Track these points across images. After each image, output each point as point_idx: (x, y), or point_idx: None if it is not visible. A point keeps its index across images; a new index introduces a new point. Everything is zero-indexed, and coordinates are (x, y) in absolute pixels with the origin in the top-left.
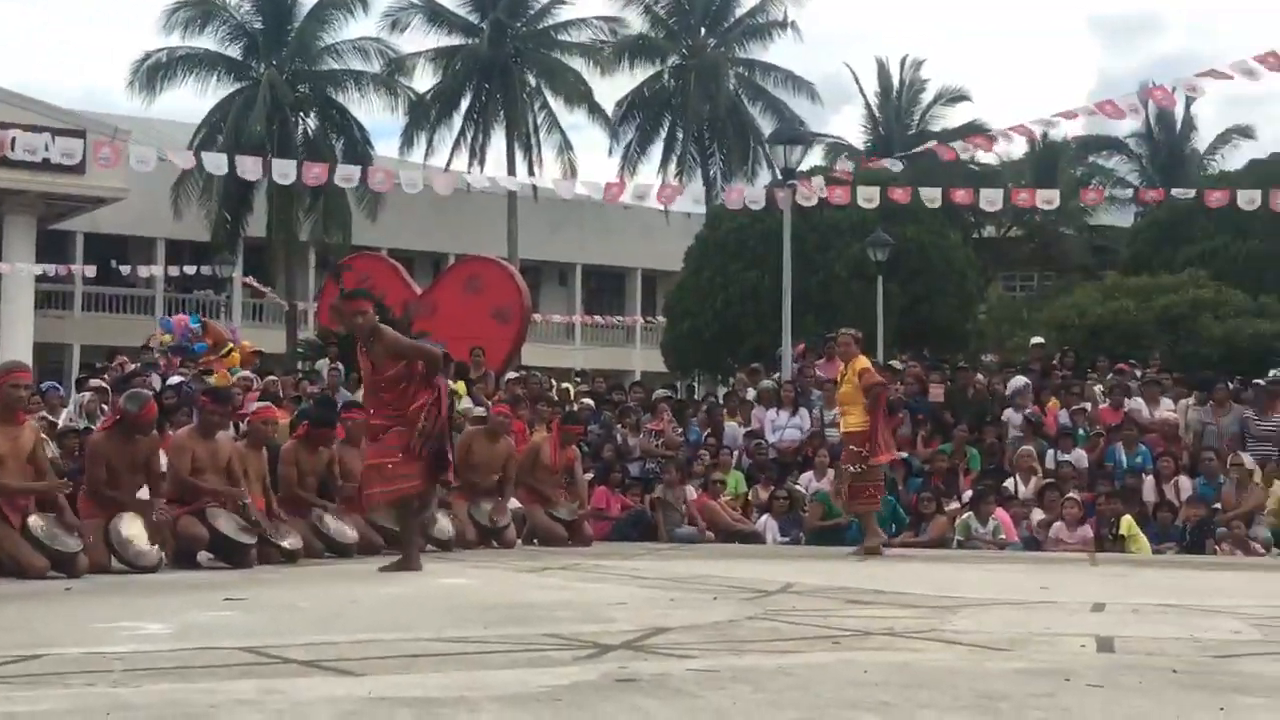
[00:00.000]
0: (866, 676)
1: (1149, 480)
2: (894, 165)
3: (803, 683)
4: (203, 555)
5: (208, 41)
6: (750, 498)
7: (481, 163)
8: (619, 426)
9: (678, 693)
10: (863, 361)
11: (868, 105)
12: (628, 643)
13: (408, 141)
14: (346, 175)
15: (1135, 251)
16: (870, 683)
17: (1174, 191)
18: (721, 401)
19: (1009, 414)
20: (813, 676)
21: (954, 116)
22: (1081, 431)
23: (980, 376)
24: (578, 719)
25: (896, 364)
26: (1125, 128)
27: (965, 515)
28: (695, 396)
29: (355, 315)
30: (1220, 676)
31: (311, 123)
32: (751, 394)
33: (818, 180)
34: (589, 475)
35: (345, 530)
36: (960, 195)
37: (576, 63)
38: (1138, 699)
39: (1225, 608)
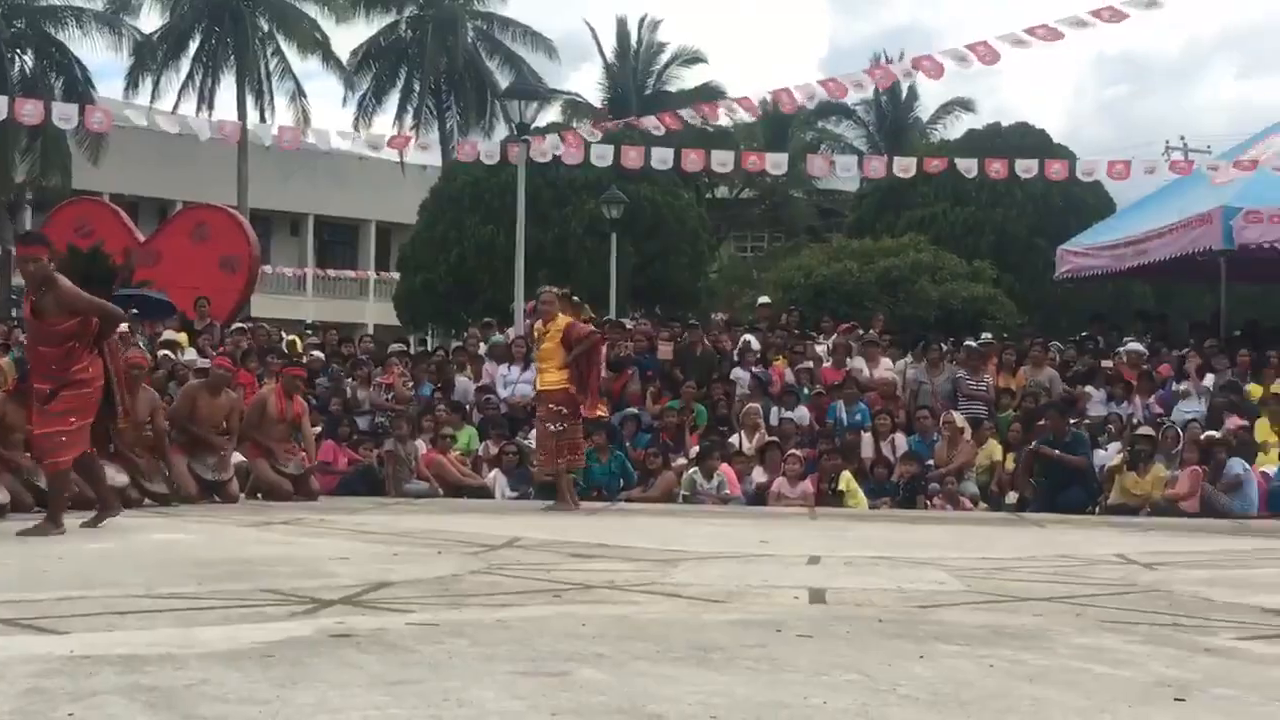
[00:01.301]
0: (584, 629)
1: (867, 437)
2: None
3: (521, 636)
4: None
5: None
6: (481, 453)
7: (210, 108)
8: (349, 380)
9: (393, 647)
10: (565, 319)
11: (606, 63)
12: (347, 598)
13: (132, 84)
14: (64, 115)
15: (860, 216)
16: (588, 635)
17: (896, 164)
18: (453, 356)
19: (736, 372)
20: (531, 629)
21: (690, 77)
22: (805, 390)
23: (708, 336)
24: (287, 674)
25: (628, 322)
26: (854, 94)
27: (691, 471)
28: (428, 351)
29: (27, 262)
30: (923, 626)
31: (29, 60)
32: (483, 349)
33: (552, 138)
34: (317, 429)
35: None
36: (692, 159)
37: (311, 9)
38: (844, 648)
39: (932, 560)
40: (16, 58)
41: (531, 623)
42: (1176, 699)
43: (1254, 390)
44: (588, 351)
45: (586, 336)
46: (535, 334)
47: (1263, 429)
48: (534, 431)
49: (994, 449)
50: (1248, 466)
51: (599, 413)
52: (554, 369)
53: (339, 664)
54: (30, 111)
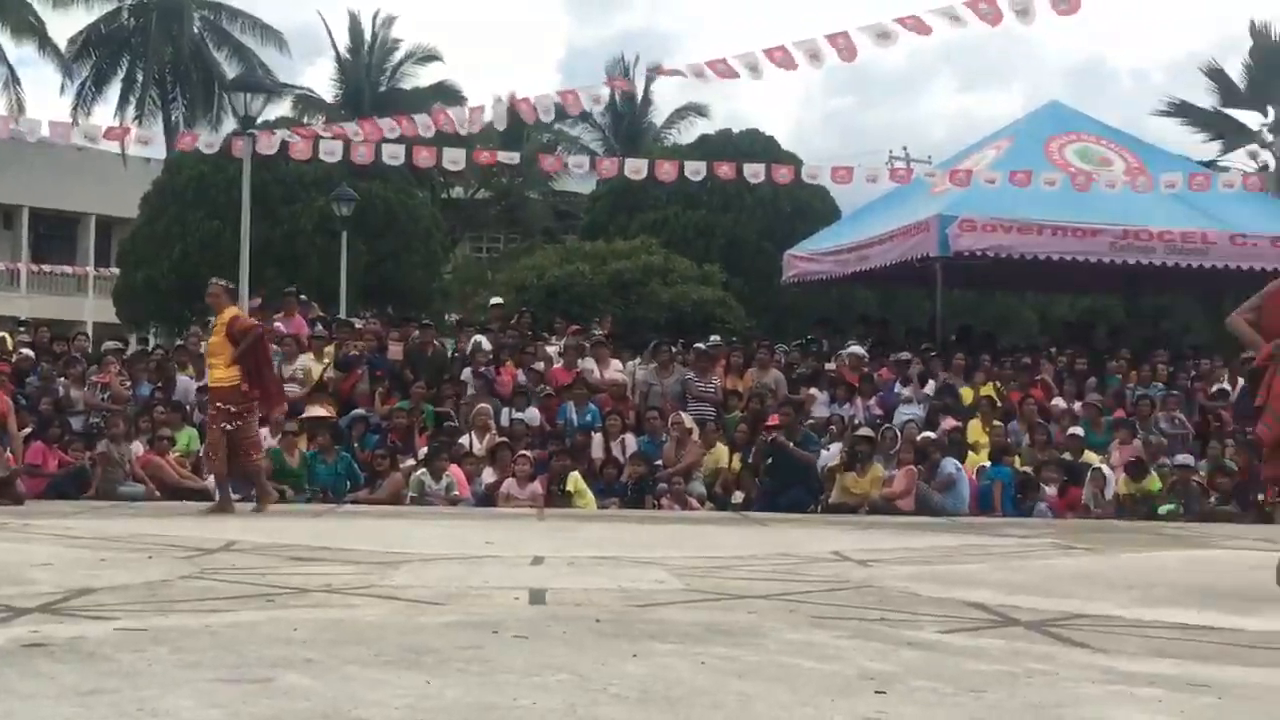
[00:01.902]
0: (295, 634)
1: (597, 438)
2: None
3: (227, 642)
4: None
5: None
6: (201, 454)
7: None
8: (61, 379)
9: (90, 656)
10: (232, 311)
11: (339, 58)
12: (45, 605)
13: None
14: None
15: (594, 218)
16: (299, 640)
17: (627, 165)
18: (174, 355)
19: (467, 373)
20: (239, 635)
21: (425, 75)
22: (535, 391)
23: (441, 337)
24: None
25: (358, 321)
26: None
27: (419, 472)
28: (147, 349)
29: None
30: (640, 625)
31: None
32: (204, 347)
33: (281, 132)
34: (26, 430)
35: None
36: (424, 156)
37: None
38: (560, 648)
39: (655, 559)
40: None
41: (240, 628)
42: (877, 691)
43: (966, 393)
44: (253, 346)
45: (249, 330)
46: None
47: (974, 430)
48: (230, 426)
49: (722, 453)
50: (960, 466)
51: (283, 405)
52: (222, 365)
53: (29, 674)
54: None
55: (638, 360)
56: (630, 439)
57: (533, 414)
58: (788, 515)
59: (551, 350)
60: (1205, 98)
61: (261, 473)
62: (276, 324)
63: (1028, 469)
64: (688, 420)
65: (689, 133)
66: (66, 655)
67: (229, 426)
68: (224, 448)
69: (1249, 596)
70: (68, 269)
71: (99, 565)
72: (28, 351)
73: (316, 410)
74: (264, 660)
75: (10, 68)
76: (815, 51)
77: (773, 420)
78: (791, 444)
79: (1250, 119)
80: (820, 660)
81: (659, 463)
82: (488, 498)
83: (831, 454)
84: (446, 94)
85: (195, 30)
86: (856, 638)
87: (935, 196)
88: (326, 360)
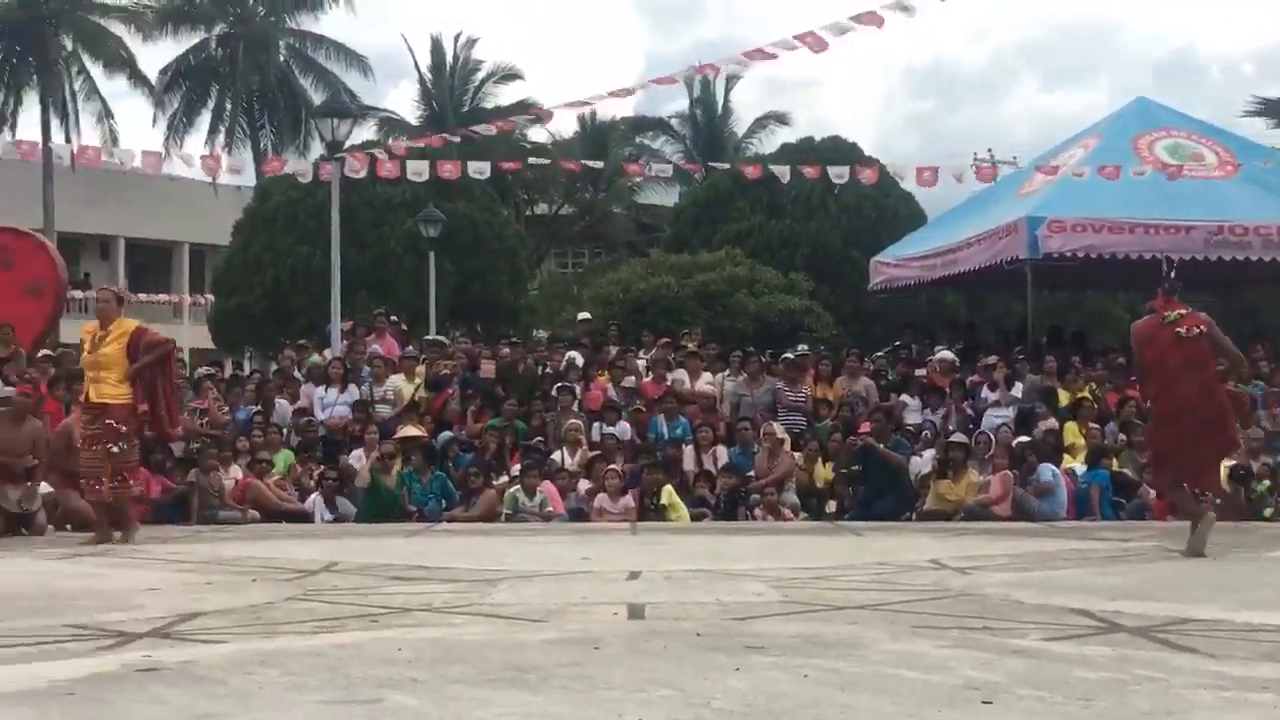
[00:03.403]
0: (400, 654)
1: (689, 450)
2: (449, 138)
3: (334, 663)
4: None
5: None
6: (299, 477)
7: (13, 129)
8: None
9: (201, 679)
10: (130, 323)
11: (422, 81)
12: (155, 630)
13: None
14: None
15: (677, 231)
16: (403, 660)
17: (712, 168)
18: (272, 379)
19: (558, 389)
20: (344, 656)
21: (506, 95)
22: (626, 405)
23: (530, 353)
24: (90, 712)
25: (448, 340)
26: (670, 109)
27: (513, 489)
28: (243, 374)
29: None
30: (739, 638)
31: None
32: (300, 371)
33: (365, 154)
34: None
35: None
36: (507, 164)
37: (117, 27)
38: (661, 663)
39: (751, 571)
40: None
41: (345, 649)
42: (984, 701)
43: (1061, 395)
44: (160, 361)
45: (159, 344)
46: (86, 339)
47: (1070, 432)
48: (117, 449)
49: (825, 471)
50: (1056, 470)
51: (181, 428)
52: (115, 380)
53: (144, 699)
54: None
55: (726, 372)
56: (721, 450)
57: (623, 428)
58: (882, 523)
59: (640, 363)
60: None
61: (131, 501)
62: (371, 345)
63: (1126, 470)
64: (779, 430)
65: (770, 142)
66: (178, 679)
67: (115, 449)
68: (107, 470)
69: None
70: (163, 297)
71: (205, 589)
72: None
73: (409, 430)
74: (370, 681)
75: (103, 101)
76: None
77: (864, 427)
78: (880, 445)
79: None
80: (924, 671)
81: (751, 473)
82: (581, 512)
83: (924, 461)
84: (528, 112)
85: (281, 58)
86: (959, 647)
87: (1023, 198)
88: (417, 380)
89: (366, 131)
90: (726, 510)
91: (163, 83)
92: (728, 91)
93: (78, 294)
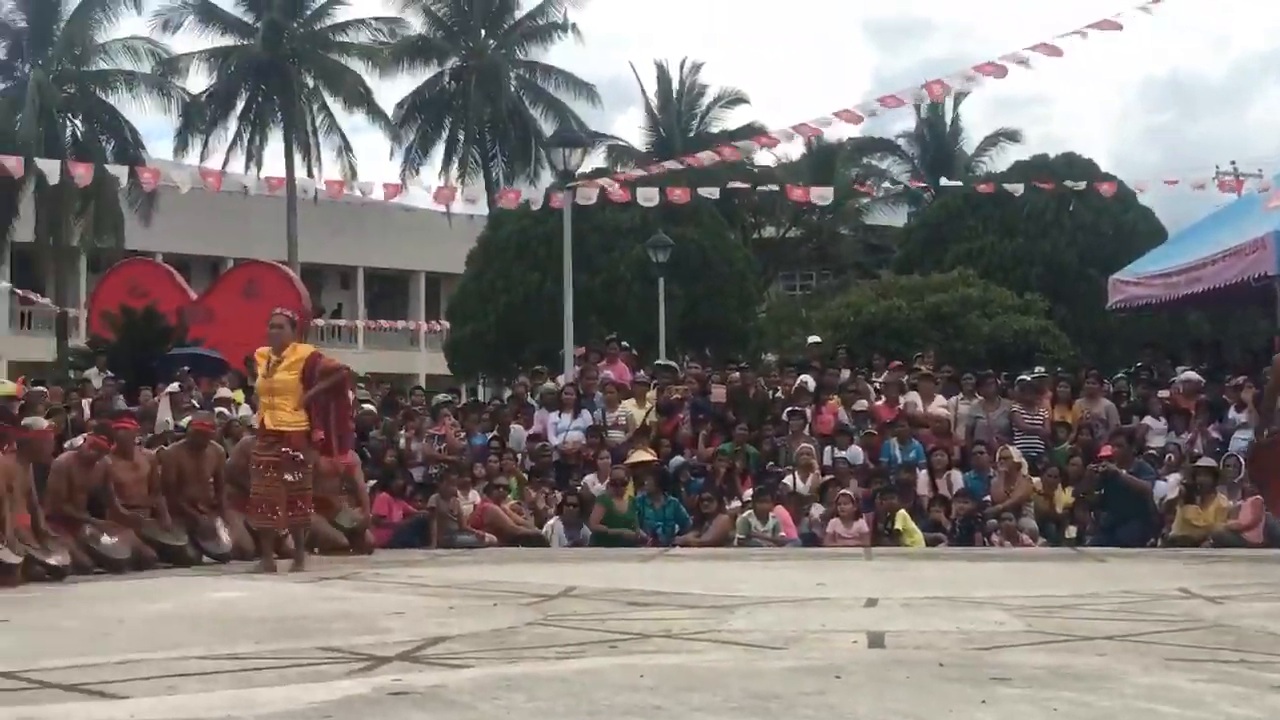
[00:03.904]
0: (641, 680)
1: (923, 475)
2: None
3: (577, 689)
4: None
5: None
6: (533, 501)
7: (259, 165)
8: (402, 432)
9: (451, 704)
10: (307, 349)
11: (648, 107)
12: (403, 654)
13: (182, 144)
14: (115, 174)
15: (907, 251)
16: (645, 686)
17: (942, 182)
18: (507, 405)
19: (789, 413)
20: (587, 682)
21: (733, 119)
22: (858, 428)
23: (760, 376)
24: None
25: (678, 365)
26: (897, 129)
27: (745, 514)
28: (479, 400)
29: None
30: (984, 668)
31: (80, 124)
32: (534, 397)
33: (598, 183)
34: (371, 482)
35: (117, 546)
36: (735, 184)
37: (355, 64)
38: (904, 694)
39: (992, 599)
40: (68, 122)
41: (588, 675)
42: None
43: None
44: (336, 388)
45: (334, 371)
46: (260, 363)
47: None
48: (293, 478)
49: (1065, 496)
50: None
51: (348, 458)
52: (290, 407)
53: None
54: (83, 174)
55: (960, 395)
56: (956, 475)
57: (855, 452)
58: (1126, 550)
59: (872, 386)
60: None
61: (307, 529)
62: (604, 371)
63: None
64: (1016, 454)
65: (1001, 159)
66: (429, 702)
67: (290, 477)
68: (283, 499)
69: None
70: (400, 324)
71: (448, 613)
72: (369, 407)
73: (641, 455)
74: (615, 708)
75: (343, 135)
76: None
77: (1105, 451)
78: (1123, 471)
79: None
80: (1180, 706)
81: (987, 498)
82: (814, 537)
83: (1170, 485)
84: (755, 135)
85: (512, 89)
86: (1216, 681)
87: (1270, 212)
88: (649, 405)
89: (596, 159)
90: (962, 535)
91: (399, 116)
92: (956, 109)
93: (319, 322)
